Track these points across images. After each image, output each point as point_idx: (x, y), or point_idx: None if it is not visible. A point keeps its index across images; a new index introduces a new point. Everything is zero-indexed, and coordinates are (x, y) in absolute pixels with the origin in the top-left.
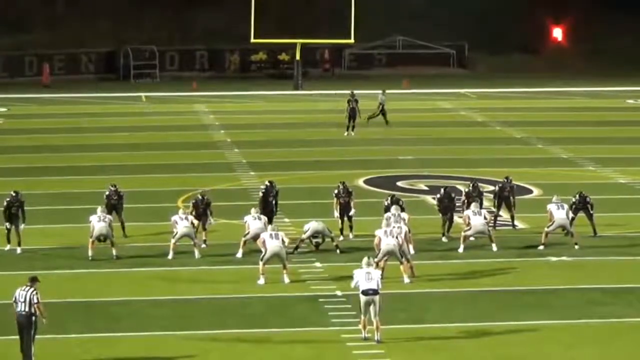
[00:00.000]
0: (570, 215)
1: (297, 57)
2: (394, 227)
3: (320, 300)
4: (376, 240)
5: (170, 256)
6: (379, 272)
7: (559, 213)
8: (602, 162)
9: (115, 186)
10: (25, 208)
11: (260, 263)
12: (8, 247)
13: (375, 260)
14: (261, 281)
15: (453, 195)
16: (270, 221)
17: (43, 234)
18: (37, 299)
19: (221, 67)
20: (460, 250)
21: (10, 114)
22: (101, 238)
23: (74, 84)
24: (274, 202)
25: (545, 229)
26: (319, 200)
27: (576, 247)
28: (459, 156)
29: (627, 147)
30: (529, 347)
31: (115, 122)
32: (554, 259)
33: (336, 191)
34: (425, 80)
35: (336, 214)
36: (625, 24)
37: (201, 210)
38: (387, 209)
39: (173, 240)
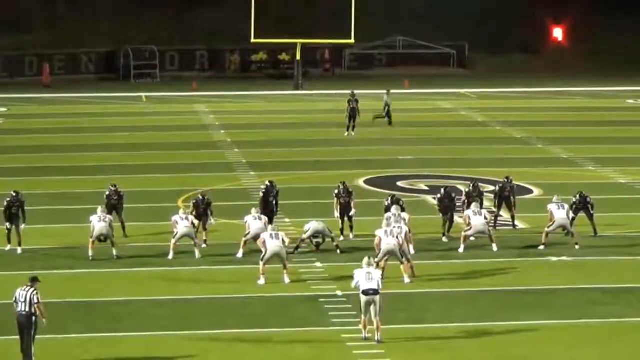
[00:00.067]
0: (571, 215)
1: (298, 57)
2: (394, 227)
3: (321, 300)
4: (376, 240)
5: (170, 256)
6: (380, 272)
7: (560, 213)
8: (602, 162)
9: (115, 186)
10: (25, 208)
11: (261, 263)
12: (8, 247)
13: (376, 260)
14: (261, 281)
15: (453, 195)
16: (270, 221)
17: (43, 234)
18: (38, 299)
19: (221, 67)
20: (461, 250)
21: (10, 114)
22: (101, 238)
23: (74, 84)
24: (274, 202)
25: (546, 229)
26: (319, 200)
27: (576, 247)
28: (459, 156)
29: (627, 147)
30: (529, 347)
31: (116, 122)
32: (554, 259)
33: (336, 191)
34: (425, 80)
35: (336, 214)
36: (625, 24)
37: (202, 210)
38: (388, 209)
39: (173, 241)
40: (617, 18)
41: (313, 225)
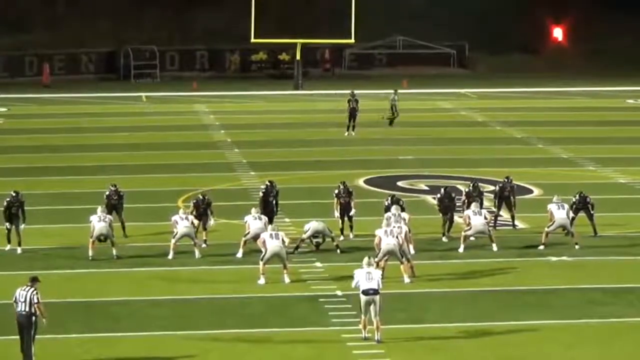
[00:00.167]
0: (571, 215)
1: (298, 57)
2: (394, 226)
3: (321, 300)
4: (376, 240)
5: (170, 256)
6: (380, 272)
7: (560, 213)
8: (602, 162)
9: (115, 186)
10: (25, 208)
11: (261, 263)
12: (8, 247)
13: (376, 260)
14: (261, 281)
15: (453, 195)
16: (270, 221)
17: (43, 234)
18: (38, 299)
19: (221, 67)
20: (461, 250)
21: (10, 114)
22: (101, 238)
23: (74, 84)
24: (274, 202)
25: (546, 229)
26: (319, 200)
27: (576, 247)
28: (459, 156)
29: (627, 147)
30: (529, 347)
31: (116, 122)
32: (554, 258)
33: (336, 191)
34: (425, 80)
35: (336, 213)
36: (625, 24)
37: (202, 210)
38: (388, 209)
39: (173, 240)
40: (617, 18)
41: (313, 225)
